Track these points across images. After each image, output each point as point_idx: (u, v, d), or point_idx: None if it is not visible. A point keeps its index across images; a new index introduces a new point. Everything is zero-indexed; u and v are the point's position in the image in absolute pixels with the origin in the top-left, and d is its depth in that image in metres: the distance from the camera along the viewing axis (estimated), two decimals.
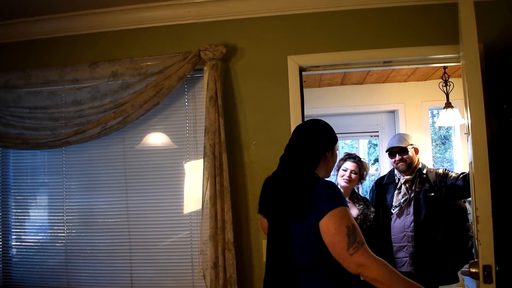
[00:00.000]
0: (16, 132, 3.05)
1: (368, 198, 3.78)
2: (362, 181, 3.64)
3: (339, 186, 3.48)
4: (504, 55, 2.55)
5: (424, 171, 3.47)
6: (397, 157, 3.51)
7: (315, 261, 1.81)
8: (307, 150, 1.97)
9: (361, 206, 3.47)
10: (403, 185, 3.48)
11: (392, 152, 3.56)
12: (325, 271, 1.80)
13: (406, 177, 3.49)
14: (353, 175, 3.50)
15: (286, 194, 1.89)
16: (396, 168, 3.59)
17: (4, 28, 3.18)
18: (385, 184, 3.68)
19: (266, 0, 2.94)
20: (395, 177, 3.61)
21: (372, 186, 3.89)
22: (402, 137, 3.60)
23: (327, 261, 1.78)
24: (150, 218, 3.04)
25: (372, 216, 3.45)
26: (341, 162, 3.59)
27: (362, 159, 3.61)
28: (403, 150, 3.49)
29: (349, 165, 3.53)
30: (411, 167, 3.49)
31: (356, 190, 3.67)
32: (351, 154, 3.63)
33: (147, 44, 3.07)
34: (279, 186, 1.96)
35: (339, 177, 3.54)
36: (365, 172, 3.59)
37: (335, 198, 1.80)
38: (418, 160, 3.55)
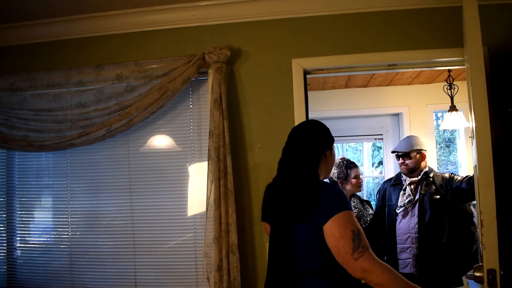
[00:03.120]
0: (21, 134, 3.06)
1: (373, 199, 3.82)
2: None
3: (354, 192, 3.65)
4: (509, 58, 2.54)
5: (431, 175, 3.50)
6: (400, 160, 3.60)
7: (317, 265, 1.80)
8: (308, 151, 1.96)
9: (357, 209, 3.52)
10: (407, 187, 3.53)
11: (397, 154, 3.65)
12: (327, 275, 1.79)
13: (411, 178, 3.53)
14: (361, 179, 3.65)
15: (292, 194, 1.88)
16: (401, 170, 3.65)
17: (9, 31, 3.20)
18: (392, 186, 3.71)
19: (270, 3, 2.94)
20: (402, 178, 3.66)
21: (380, 187, 3.92)
22: (409, 142, 3.62)
23: (329, 266, 1.77)
24: (154, 220, 3.04)
25: (368, 218, 3.49)
26: (348, 171, 3.66)
27: (349, 159, 3.76)
28: (406, 155, 3.55)
29: (356, 171, 3.65)
30: (413, 172, 3.55)
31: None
32: (346, 160, 3.72)
33: (152, 47, 3.08)
34: (282, 189, 1.96)
35: (353, 186, 3.63)
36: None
37: (340, 202, 1.79)
38: (425, 165, 3.58)
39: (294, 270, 1.83)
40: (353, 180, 3.62)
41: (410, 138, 3.71)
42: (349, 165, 3.65)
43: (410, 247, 3.43)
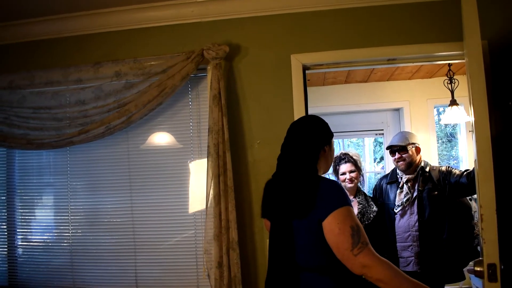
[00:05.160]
0: (20, 133, 3.06)
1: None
2: (361, 172, 3.67)
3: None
4: (509, 52, 2.53)
5: (427, 169, 3.45)
6: (397, 155, 3.50)
7: (318, 261, 1.80)
8: (307, 146, 1.95)
9: (361, 205, 3.48)
10: (405, 184, 3.46)
11: (392, 150, 3.56)
12: (328, 271, 1.79)
13: (408, 176, 3.47)
14: (353, 174, 3.55)
15: (290, 190, 1.87)
16: (397, 167, 3.58)
17: (8, 29, 3.19)
18: (388, 183, 3.66)
19: None
20: (398, 176, 3.60)
21: (375, 185, 3.88)
22: (404, 135, 3.58)
23: (329, 262, 1.77)
24: (154, 217, 3.04)
25: (372, 215, 3.45)
26: (337, 167, 3.62)
27: (349, 154, 3.65)
28: (403, 149, 3.48)
29: (345, 167, 3.57)
30: (411, 166, 3.48)
31: (361, 188, 3.69)
32: (339, 156, 3.66)
33: (151, 44, 3.07)
34: (282, 185, 1.95)
35: (342, 182, 3.57)
36: (358, 162, 3.63)
37: (339, 197, 1.78)
38: (419, 159, 3.53)
39: (294, 266, 1.82)
40: (341, 177, 3.57)
41: (403, 133, 3.69)
42: (339, 161, 3.61)
43: (411, 245, 3.40)
